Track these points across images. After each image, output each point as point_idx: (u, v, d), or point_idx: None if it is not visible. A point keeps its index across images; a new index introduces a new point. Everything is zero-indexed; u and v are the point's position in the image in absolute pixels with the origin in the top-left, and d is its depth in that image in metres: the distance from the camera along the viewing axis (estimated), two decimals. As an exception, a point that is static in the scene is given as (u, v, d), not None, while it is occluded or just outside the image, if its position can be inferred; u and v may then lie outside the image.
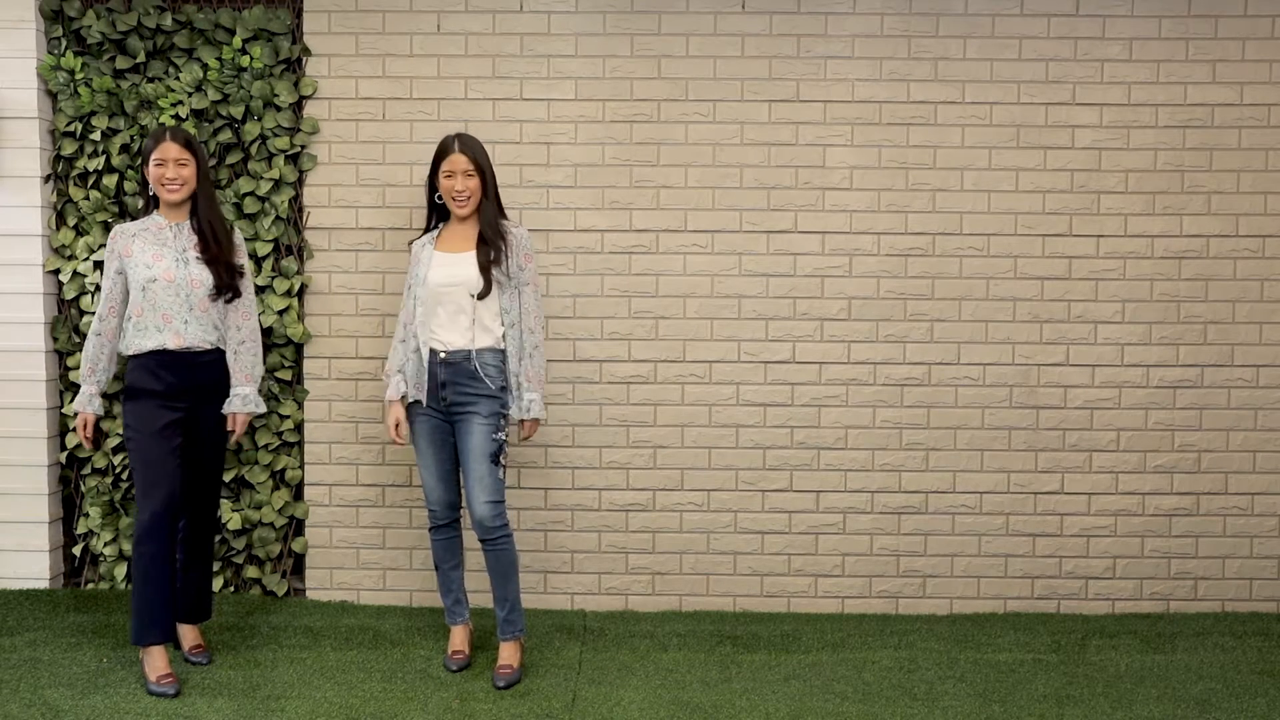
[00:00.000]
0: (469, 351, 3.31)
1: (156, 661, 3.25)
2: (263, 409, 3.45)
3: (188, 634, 3.45)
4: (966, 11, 3.92)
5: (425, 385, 3.35)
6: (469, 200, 3.31)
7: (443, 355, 3.32)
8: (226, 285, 3.32)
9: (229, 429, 3.42)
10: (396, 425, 3.39)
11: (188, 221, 3.34)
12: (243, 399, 3.39)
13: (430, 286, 3.33)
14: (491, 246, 3.32)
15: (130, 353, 3.28)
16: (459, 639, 3.49)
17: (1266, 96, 3.93)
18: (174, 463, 3.29)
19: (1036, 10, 3.92)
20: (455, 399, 3.32)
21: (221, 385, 3.38)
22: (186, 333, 3.28)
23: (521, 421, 3.40)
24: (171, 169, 3.26)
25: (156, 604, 3.23)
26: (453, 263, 3.33)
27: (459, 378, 3.31)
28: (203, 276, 3.29)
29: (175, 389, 3.28)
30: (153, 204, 3.37)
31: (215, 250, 3.30)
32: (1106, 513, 3.99)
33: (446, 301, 3.32)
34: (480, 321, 3.33)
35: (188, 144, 3.29)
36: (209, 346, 3.33)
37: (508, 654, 3.37)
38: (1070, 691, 3.30)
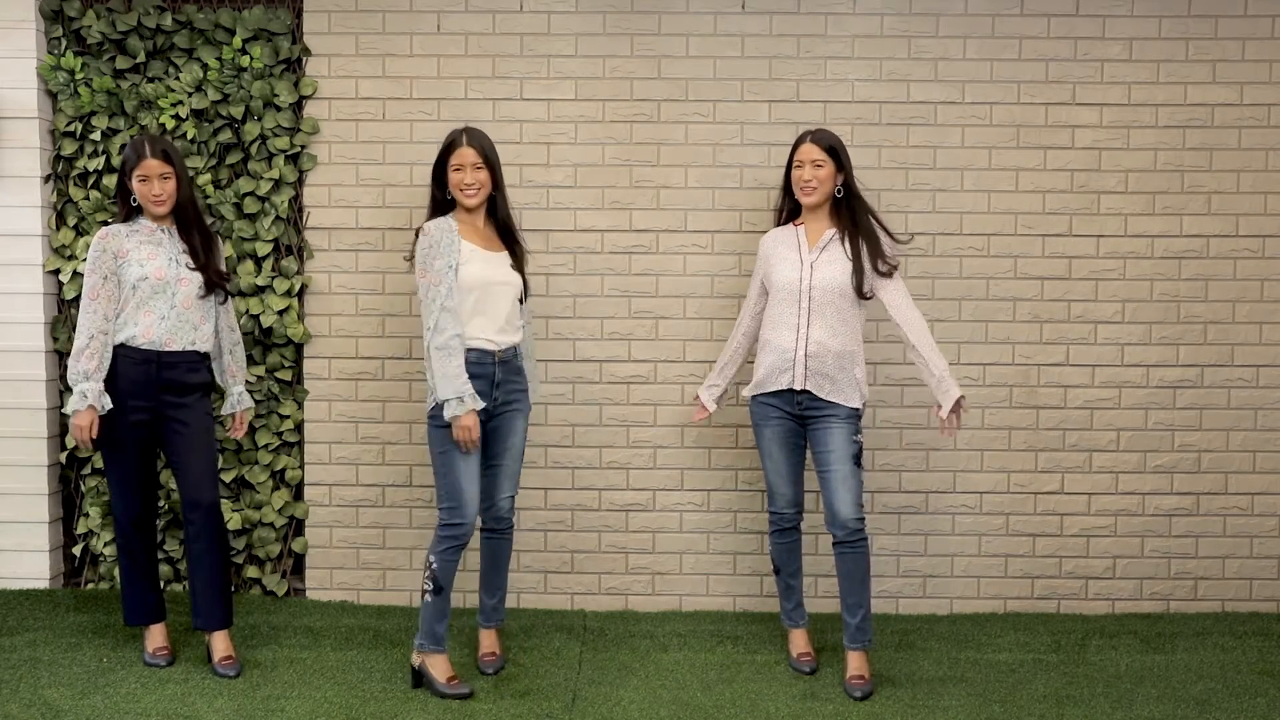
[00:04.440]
0: (515, 348, 3.31)
1: (154, 636, 3.47)
2: (251, 403, 3.58)
3: (218, 644, 3.39)
4: (966, 11, 3.92)
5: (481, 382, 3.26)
6: (478, 192, 3.25)
7: (498, 354, 3.25)
8: (215, 285, 3.37)
9: (229, 429, 3.52)
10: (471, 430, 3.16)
11: (176, 230, 3.39)
12: (239, 398, 3.53)
13: (477, 282, 3.20)
14: (516, 248, 3.35)
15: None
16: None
17: (1266, 96, 3.93)
18: (144, 463, 3.38)
19: (1036, 10, 3.92)
20: (505, 397, 3.29)
21: (196, 389, 3.37)
22: (160, 328, 3.29)
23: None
24: (156, 185, 3.30)
25: (143, 587, 3.45)
26: (492, 261, 3.25)
27: (510, 375, 3.29)
28: (192, 277, 3.34)
29: (136, 386, 3.29)
30: (134, 211, 3.38)
31: (204, 258, 3.37)
32: (1106, 513, 3.99)
33: (494, 299, 3.23)
34: (517, 319, 3.32)
35: (167, 157, 3.31)
36: (181, 348, 3.32)
37: (493, 641, 3.47)
38: (1070, 691, 3.30)
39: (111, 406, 3.26)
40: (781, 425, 3.38)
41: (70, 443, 4.00)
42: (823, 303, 3.29)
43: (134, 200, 3.35)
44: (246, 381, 3.95)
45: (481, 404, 3.17)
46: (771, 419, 3.39)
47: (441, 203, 3.34)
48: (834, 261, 3.31)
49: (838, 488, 3.27)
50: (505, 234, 3.35)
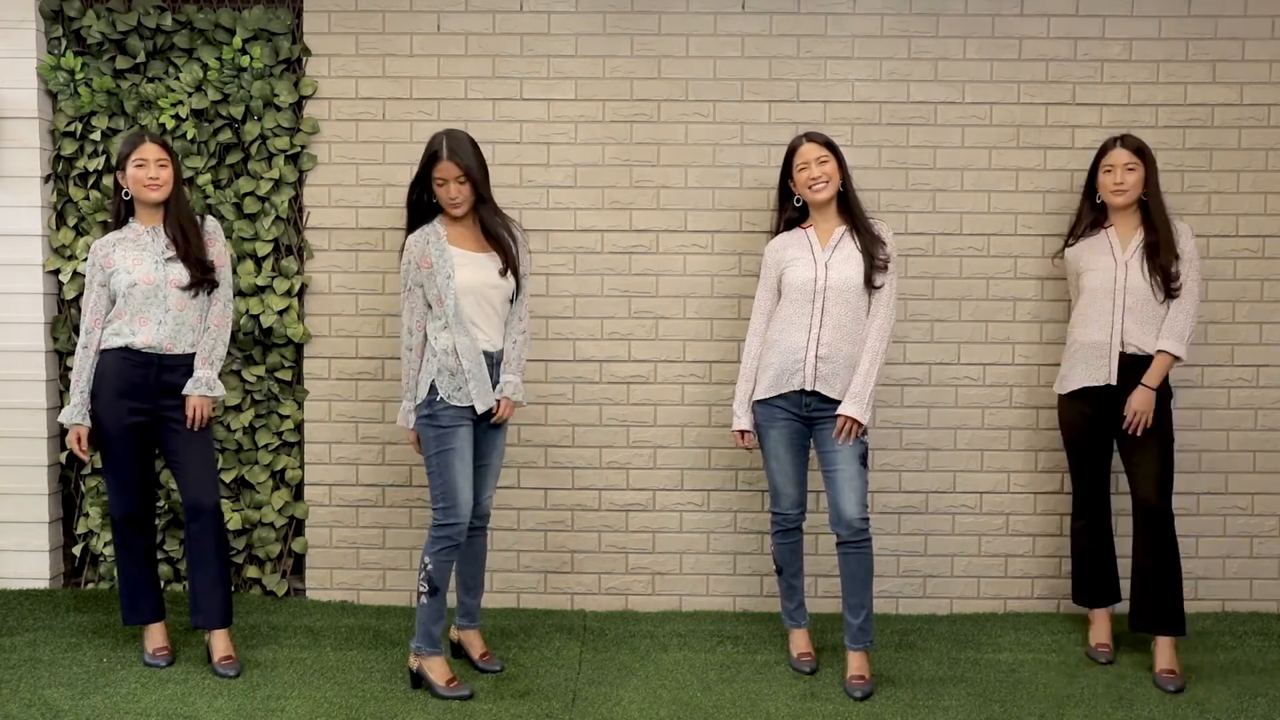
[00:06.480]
0: (503, 351, 3.32)
1: (153, 635, 3.47)
2: (218, 392, 3.36)
3: (218, 644, 3.39)
4: (966, 11, 3.92)
5: (483, 385, 3.23)
6: (463, 204, 3.23)
7: (494, 355, 3.28)
8: (200, 280, 3.35)
9: (187, 414, 3.33)
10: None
11: (163, 226, 3.38)
12: (194, 382, 3.33)
13: (467, 286, 3.20)
14: (506, 251, 3.27)
15: (100, 348, 3.33)
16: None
17: (1266, 96, 3.93)
18: (141, 462, 3.38)
19: (1036, 10, 3.92)
20: (498, 396, 3.30)
21: None
22: (159, 333, 3.31)
23: (498, 401, 3.28)
24: (153, 169, 3.31)
25: (141, 587, 3.44)
26: (478, 263, 3.24)
27: (495, 377, 3.30)
28: (179, 276, 3.34)
29: (136, 388, 3.30)
30: (126, 212, 3.40)
31: (184, 247, 3.35)
32: (1106, 513, 3.99)
33: (484, 302, 3.23)
34: (504, 320, 3.32)
35: (165, 146, 3.36)
36: (181, 351, 3.34)
37: (482, 641, 3.49)
38: (1070, 691, 3.30)
39: (89, 425, 3.34)
40: (788, 426, 3.38)
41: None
42: (836, 302, 3.29)
43: (126, 194, 3.36)
44: (246, 382, 3.95)
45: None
46: (778, 420, 3.38)
47: (426, 207, 3.31)
48: (848, 259, 3.32)
49: (844, 488, 3.27)
50: (491, 236, 3.28)
